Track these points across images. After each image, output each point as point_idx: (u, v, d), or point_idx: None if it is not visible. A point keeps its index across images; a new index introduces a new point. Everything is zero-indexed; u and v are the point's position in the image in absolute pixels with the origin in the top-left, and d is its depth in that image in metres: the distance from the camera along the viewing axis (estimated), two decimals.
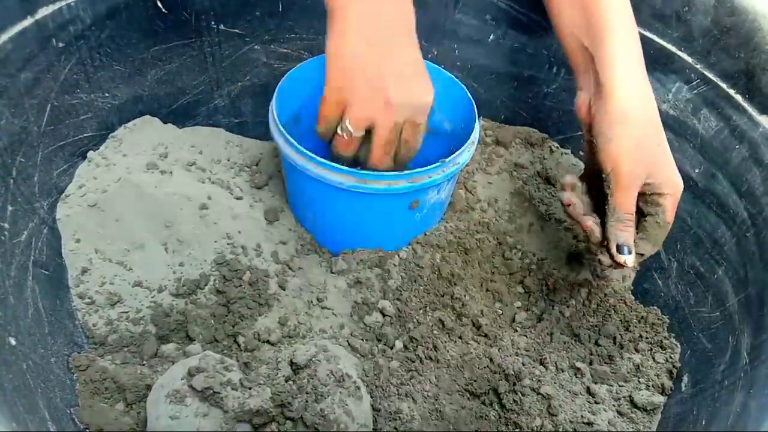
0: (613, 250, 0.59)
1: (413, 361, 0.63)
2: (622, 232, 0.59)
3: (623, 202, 0.59)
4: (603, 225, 0.61)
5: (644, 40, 0.71)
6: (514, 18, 0.78)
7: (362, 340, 0.65)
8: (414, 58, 0.57)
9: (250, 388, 0.53)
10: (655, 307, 0.70)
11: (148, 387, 0.57)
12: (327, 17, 0.55)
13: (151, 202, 0.65)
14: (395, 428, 0.58)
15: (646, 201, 0.60)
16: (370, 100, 0.56)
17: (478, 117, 0.69)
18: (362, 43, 0.54)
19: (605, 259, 0.61)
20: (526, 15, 0.78)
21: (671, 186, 0.59)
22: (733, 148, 0.66)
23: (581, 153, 0.83)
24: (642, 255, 0.61)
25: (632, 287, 0.74)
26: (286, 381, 0.55)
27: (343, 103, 0.57)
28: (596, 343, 0.68)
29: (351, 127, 0.57)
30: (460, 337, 0.66)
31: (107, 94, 0.70)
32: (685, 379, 0.64)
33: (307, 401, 0.53)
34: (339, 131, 0.58)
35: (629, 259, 0.59)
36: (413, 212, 0.67)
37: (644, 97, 0.59)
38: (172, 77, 0.75)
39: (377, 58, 0.54)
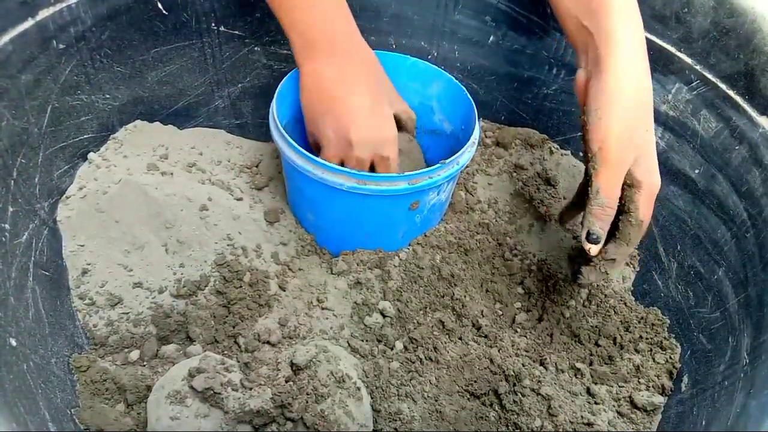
0: (583, 235, 0.57)
1: (413, 362, 0.63)
2: (599, 220, 0.56)
3: (607, 185, 0.55)
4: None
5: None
6: (513, 19, 0.78)
7: (362, 340, 0.65)
8: (371, 100, 0.63)
9: (250, 389, 0.53)
10: (655, 308, 0.70)
11: (149, 388, 0.57)
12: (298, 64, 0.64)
13: (151, 204, 0.65)
14: (395, 429, 0.58)
15: (622, 195, 0.57)
16: (337, 142, 0.63)
17: (478, 118, 0.69)
18: (324, 95, 0.63)
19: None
20: (525, 16, 0.78)
21: (648, 177, 0.56)
22: (732, 148, 0.66)
23: (581, 154, 0.83)
24: (614, 260, 0.59)
25: (632, 288, 0.74)
26: (287, 382, 0.55)
27: (318, 144, 0.66)
28: (596, 344, 0.68)
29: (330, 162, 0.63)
30: (460, 338, 0.66)
31: (108, 96, 0.70)
32: (685, 379, 0.64)
33: (307, 402, 0.53)
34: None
35: (594, 249, 0.57)
36: (413, 213, 0.67)
37: (640, 77, 0.56)
38: (172, 79, 0.75)
39: (339, 105, 0.62)
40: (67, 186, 0.66)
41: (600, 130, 0.55)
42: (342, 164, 0.64)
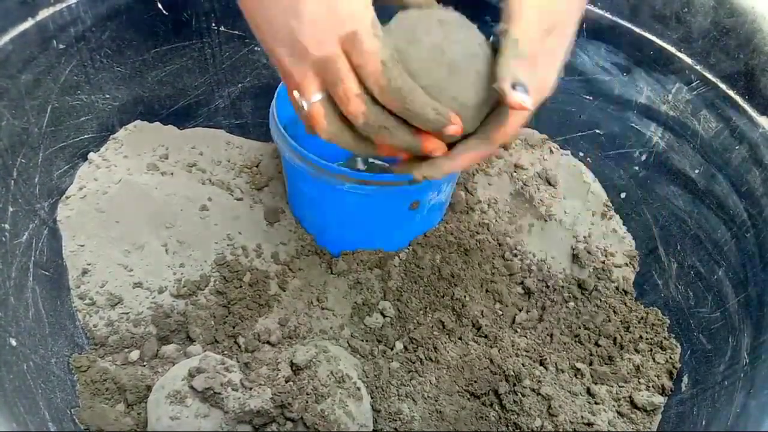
0: (507, 87, 0.42)
1: (413, 362, 0.63)
2: (520, 68, 0.42)
3: (526, 33, 0.43)
4: None
5: (644, 41, 0.71)
6: None
7: (362, 340, 0.65)
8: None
9: (250, 389, 0.53)
10: (655, 308, 0.70)
11: (149, 388, 0.57)
12: None
13: (151, 203, 0.65)
14: (395, 429, 0.58)
15: None
16: (289, 53, 0.43)
17: None
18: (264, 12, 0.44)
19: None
20: None
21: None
22: (732, 148, 0.66)
23: (581, 154, 0.83)
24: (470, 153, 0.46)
25: (632, 288, 0.74)
26: (287, 382, 0.55)
27: (284, 80, 0.46)
28: (596, 344, 0.68)
29: (297, 97, 0.45)
30: (460, 338, 0.66)
31: (108, 96, 0.70)
32: (685, 379, 0.64)
33: (307, 402, 0.53)
34: (298, 111, 0.46)
35: (527, 100, 0.42)
36: (413, 213, 0.67)
37: None
38: (172, 79, 0.75)
39: (281, 15, 0.43)
40: (67, 186, 0.66)
41: None
42: (308, 88, 0.43)
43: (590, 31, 0.75)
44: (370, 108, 0.41)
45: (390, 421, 0.59)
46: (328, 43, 0.41)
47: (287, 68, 0.44)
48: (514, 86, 0.42)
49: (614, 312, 0.70)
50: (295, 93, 0.45)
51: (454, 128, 0.41)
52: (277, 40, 0.43)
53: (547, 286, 0.72)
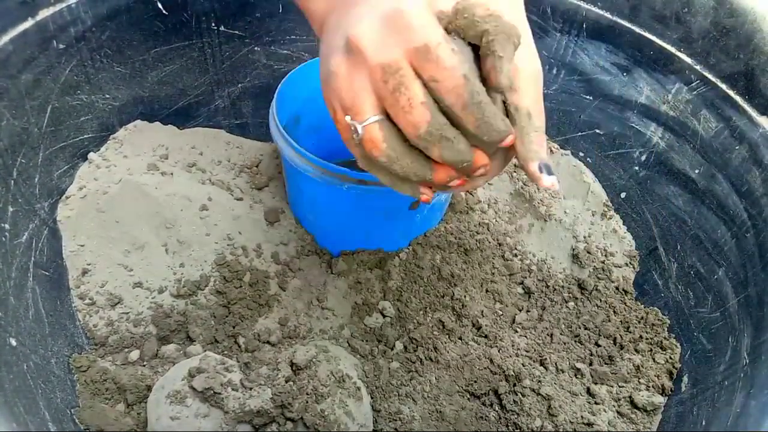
0: (534, 169, 0.42)
1: (413, 362, 0.63)
2: (542, 147, 0.42)
3: (537, 103, 0.42)
4: None
5: (644, 41, 0.71)
6: None
7: (362, 340, 0.65)
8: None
9: (250, 389, 0.53)
10: (655, 308, 0.70)
11: (149, 388, 0.57)
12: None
13: (151, 204, 0.65)
14: (395, 429, 0.58)
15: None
16: (345, 60, 0.40)
17: None
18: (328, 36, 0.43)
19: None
20: (525, 16, 0.78)
21: (528, 62, 0.43)
22: (732, 148, 0.66)
23: (581, 154, 0.83)
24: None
25: (632, 288, 0.74)
26: (287, 382, 0.55)
27: (330, 102, 0.43)
28: (596, 344, 0.68)
29: (350, 121, 0.41)
30: (460, 338, 0.66)
31: (108, 96, 0.70)
32: (685, 379, 0.64)
33: (307, 402, 0.53)
34: (349, 141, 0.43)
35: (555, 182, 0.42)
36: (413, 213, 0.67)
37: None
38: (172, 78, 0.75)
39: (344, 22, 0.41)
40: (67, 186, 0.66)
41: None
42: (363, 109, 0.40)
43: (590, 31, 0.75)
44: (436, 117, 0.39)
45: (390, 421, 0.59)
46: (392, 50, 0.38)
47: (338, 84, 0.41)
48: (540, 168, 0.42)
49: (614, 312, 0.70)
50: (347, 118, 0.41)
51: (512, 137, 0.41)
52: (333, 46, 0.41)
53: (547, 286, 0.72)
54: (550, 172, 0.42)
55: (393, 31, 0.38)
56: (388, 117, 0.40)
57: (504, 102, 0.42)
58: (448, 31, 0.39)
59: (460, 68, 0.38)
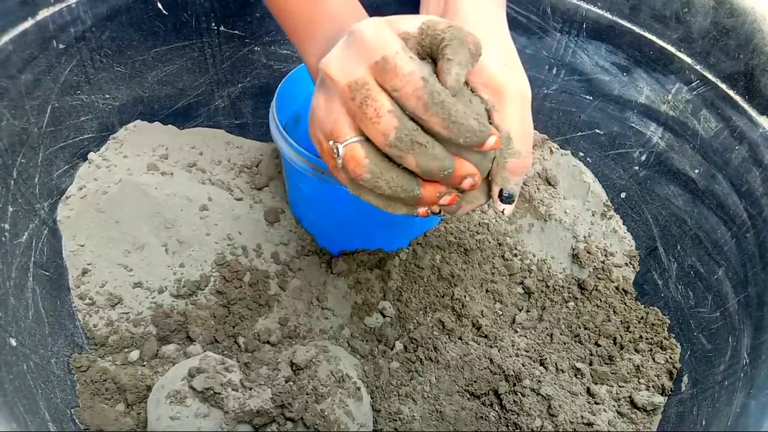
0: (495, 193, 0.44)
1: (413, 362, 0.63)
2: (515, 175, 0.43)
3: (520, 125, 0.43)
4: None
5: (644, 41, 0.71)
6: (513, 19, 0.78)
7: (362, 340, 0.65)
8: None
9: (250, 389, 0.53)
10: (655, 308, 0.70)
11: (149, 388, 0.57)
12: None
13: (151, 204, 0.65)
14: (395, 429, 0.58)
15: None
16: (323, 91, 0.42)
17: None
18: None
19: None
20: (525, 16, 0.78)
21: (515, 82, 0.44)
22: (732, 148, 0.66)
23: (581, 154, 0.83)
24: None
25: (632, 288, 0.74)
26: (287, 382, 0.55)
27: (316, 136, 0.44)
28: (596, 344, 0.68)
29: (332, 145, 0.42)
30: (460, 338, 0.66)
31: (108, 96, 0.70)
32: (685, 379, 0.64)
33: (307, 402, 0.53)
34: (335, 167, 0.44)
35: (508, 209, 0.44)
36: None
37: (497, 23, 0.48)
38: (172, 78, 0.75)
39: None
40: (67, 186, 0.66)
41: (484, 67, 0.43)
42: (339, 132, 0.41)
43: (590, 31, 0.75)
44: (404, 122, 0.39)
45: (390, 421, 0.59)
46: (356, 69, 0.39)
47: (319, 115, 0.42)
48: (501, 192, 0.44)
49: (614, 312, 0.70)
50: (330, 143, 0.42)
51: (495, 139, 0.40)
52: (315, 88, 0.43)
53: (547, 286, 0.72)
54: (508, 202, 0.44)
55: (354, 51, 0.40)
56: (367, 139, 0.41)
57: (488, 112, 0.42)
58: (419, 55, 0.40)
59: (419, 72, 0.38)
